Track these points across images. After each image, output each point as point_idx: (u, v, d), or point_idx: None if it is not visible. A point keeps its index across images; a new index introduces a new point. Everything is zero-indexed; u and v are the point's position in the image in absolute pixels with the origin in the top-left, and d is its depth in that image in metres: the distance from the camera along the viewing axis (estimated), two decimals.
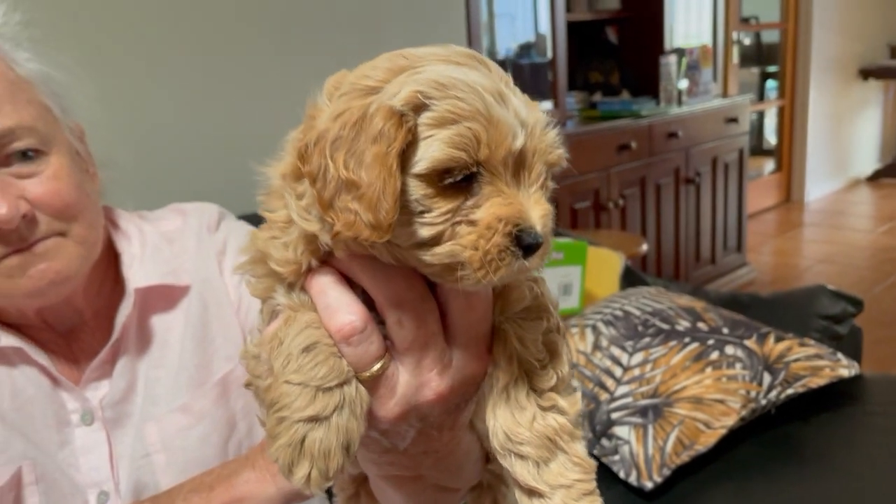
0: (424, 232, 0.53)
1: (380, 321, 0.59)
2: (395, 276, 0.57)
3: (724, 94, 4.90)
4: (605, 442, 1.74)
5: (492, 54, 3.82)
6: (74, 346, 1.08)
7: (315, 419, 0.55)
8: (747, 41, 7.01)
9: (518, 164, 0.54)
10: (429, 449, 0.65)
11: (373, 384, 0.58)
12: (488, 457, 0.72)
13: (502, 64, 3.82)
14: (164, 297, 1.12)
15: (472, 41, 3.22)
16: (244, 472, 0.89)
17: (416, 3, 2.96)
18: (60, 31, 1.06)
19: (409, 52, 0.57)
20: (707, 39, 4.73)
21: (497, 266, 0.53)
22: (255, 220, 1.30)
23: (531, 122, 0.54)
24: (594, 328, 1.95)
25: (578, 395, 0.61)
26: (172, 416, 1.07)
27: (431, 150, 0.52)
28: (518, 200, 0.53)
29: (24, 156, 0.95)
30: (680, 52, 4.38)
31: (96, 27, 2.09)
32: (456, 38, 3.14)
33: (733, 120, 4.56)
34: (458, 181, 0.53)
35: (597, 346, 1.91)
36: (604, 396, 1.80)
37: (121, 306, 1.07)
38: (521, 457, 0.58)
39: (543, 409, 0.58)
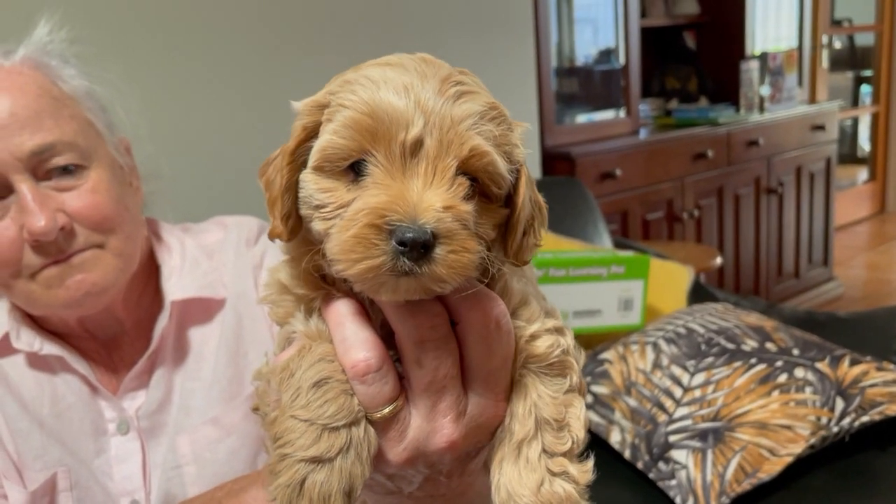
0: (318, 226, 0.52)
1: (396, 359, 0.57)
2: (420, 313, 0.55)
3: (812, 101, 4.69)
4: (661, 465, 1.67)
5: (570, 61, 3.77)
6: (115, 355, 1.10)
7: (318, 460, 0.53)
8: (839, 45, 6.69)
9: (415, 156, 0.51)
10: (435, 493, 0.63)
11: (383, 426, 0.56)
12: None
13: (580, 71, 3.79)
14: (202, 309, 1.13)
15: (540, 48, 3.18)
16: (253, 489, 0.88)
17: (482, 12, 2.94)
18: (106, 47, 1.08)
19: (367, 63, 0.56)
20: (792, 43, 4.53)
21: (355, 259, 0.49)
22: None
23: (442, 115, 0.51)
24: (655, 346, 1.88)
25: (590, 463, 0.58)
26: (204, 428, 1.07)
27: (319, 141, 0.53)
28: (398, 191, 0.50)
29: (65, 170, 0.98)
30: (762, 58, 4.21)
31: (141, 43, 2.14)
32: (523, 46, 3.10)
33: (820, 127, 4.35)
34: (347, 172, 0.52)
35: (657, 365, 1.83)
36: (662, 418, 1.73)
37: (159, 318, 1.09)
38: None
39: (553, 473, 0.55)
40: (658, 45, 4.39)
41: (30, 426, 1.03)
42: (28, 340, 1.03)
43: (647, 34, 4.06)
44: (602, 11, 3.77)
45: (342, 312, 0.55)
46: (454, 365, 0.56)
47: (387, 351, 0.56)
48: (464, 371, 0.57)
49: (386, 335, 0.56)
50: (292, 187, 0.56)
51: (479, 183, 0.53)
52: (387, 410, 0.55)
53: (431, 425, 0.56)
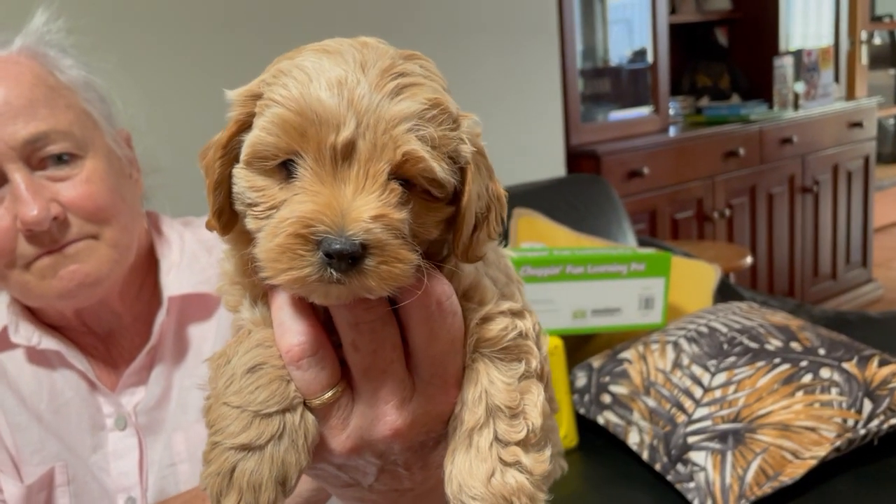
0: (251, 225, 0.50)
1: (339, 345, 0.55)
2: None
3: (849, 97, 4.56)
4: (680, 467, 1.62)
5: (604, 61, 3.73)
6: (113, 350, 1.10)
7: (248, 448, 0.51)
8: (879, 41, 6.51)
9: (347, 159, 0.48)
10: (400, 487, 0.60)
11: (324, 413, 0.54)
12: None
13: (609, 70, 3.74)
14: (202, 306, 1.11)
15: (565, 48, 3.14)
16: None
17: (506, 13, 2.91)
18: (105, 38, 1.08)
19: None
20: (828, 40, 4.42)
21: (280, 269, 0.47)
22: None
23: (376, 115, 0.48)
24: (676, 345, 1.83)
25: (548, 453, 0.55)
26: (199, 426, 1.06)
27: (250, 136, 0.50)
28: (327, 198, 0.47)
29: (59, 159, 0.97)
30: (796, 54, 4.11)
31: (141, 33, 2.14)
32: (548, 45, 3.07)
33: (858, 124, 4.23)
34: (279, 169, 0.49)
35: (677, 364, 1.79)
36: (681, 418, 1.68)
37: (158, 313, 1.08)
38: None
39: (505, 463, 0.53)
40: (689, 41, 4.31)
41: (28, 421, 1.03)
42: (26, 334, 1.03)
43: (678, 31, 4.00)
44: (637, 12, 3.72)
45: (282, 297, 0.53)
46: (394, 348, 0.54)
47: (326, 335, 0.54)
48: (408, 356, 0.55)
49: (329, 320, 0.54)
50: (225, 181, 0.54)
51: (417, 185, 0.50)
52: (326, 396, 0.53)
53: (374, 412, 0.54)
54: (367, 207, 0.47)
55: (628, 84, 3.78)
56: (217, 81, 2.48)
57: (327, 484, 0.61)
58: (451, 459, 0.54)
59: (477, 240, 0.54)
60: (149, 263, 1.12)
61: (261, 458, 0.51)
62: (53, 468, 1.01)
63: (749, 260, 2.96)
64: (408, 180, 0.50)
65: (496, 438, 0.53)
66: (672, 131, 3.63)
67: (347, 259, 0.46)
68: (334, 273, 0.47)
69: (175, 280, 1.09)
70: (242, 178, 0.52)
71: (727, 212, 3.65)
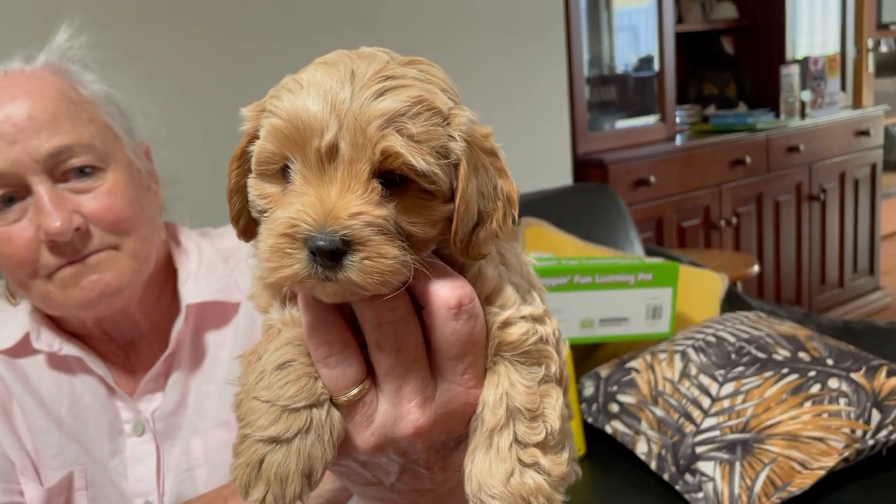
0: (262, 230, 0.53)
1: (364, 345, 0.56)
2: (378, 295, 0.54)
3: (856, 106, 4.57)
4: (688, 477, 1.63)
5: (610, 69, 3.75)
6: (132, 357, 1.11)
7: (276, 440, 0.53)
8: (885, 49, 6.52)
9: (333, 161, 0.50)
10: (421, 487, 0.61)
11: (349, 410, 0.56)
12: None
13: (616, 78, 3.76)
14: (219, 313, 1.13)
15: (572, 56, 3.16)
16: None
17: (515, 21, 2.93)
18: (125, 52, 1.10)
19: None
20: (835, 48, 4.43)
21: (274, 268, 0.50)
22: None
23: (356, 116, 0.50)
24: (683, 354, 1.84)
25: (565, 455, 0.56)
26: (215, 431, 1.08)
27: (255, 146, 0.54)
28: (311, 199, 0.50)
29: (82, 172, 0.99)
30: (803, 62, 4.12)
31: (160, 48, 2.17)
32: (556, 54, 3.09)
33: (864, 133, 4.24)
34: (281, 176, 0.53)
35: (685, 374, 1.80)
36: (689, 428, 1.69)
37: (175, 321, 1.10)
38: None
39: (524, 464, 0.54)
40: (695, 50, 4.33)
41: (48, 425, 1.04)
42: (48, 341, 1.05)
43: (684, 39, 4.01)
44: (643, 19, 3.74)
45: (309, 297, 0.55)
46: (417, 348, 0.55)
47: (352, 334, 0.56)
48: (431, 356, 0.56)
49: (354, 320, 0.56)
50: (241, 190, 0.58)
51: (411, 182, 0.52)
52: (352, 393, 0.55)
53: (398, 410, 0.56)
54: (347, 206, 0.49)
55: (635, 92, 3.80)
56: (232, 94, 2.53)
57: (351, 482, 0.62)
58: (472, 459, 0.55)
59: (478, 238, 0.55)
60: (167, 273, 1.14)
61: (288, 450, 0.52)
62: (72, 472, 1.03)
63: (756, 268, 2.97)
64: (403, 178, 0.52)
65: (516, 440, 0.54)
66: (679, 140, 3.64)
67: (329, 255, 0.49)
68: (320, 269, 0.49)
69: (193, 288, 1.11)
70: (253, 188, 0.56)
71: (734, 220, 3.66)
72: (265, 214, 0.54)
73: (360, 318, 0.55)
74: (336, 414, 0.55)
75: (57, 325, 1.08)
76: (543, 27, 3.04)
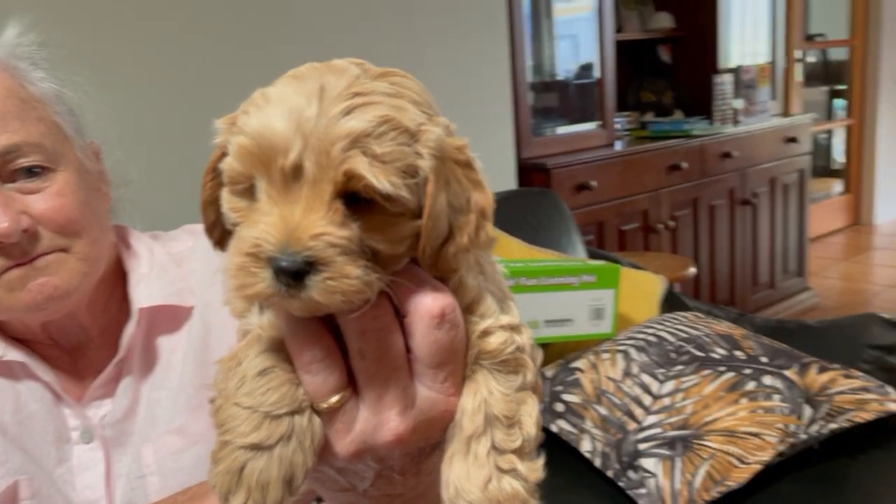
0: None
1: (346, 352, 0.57)
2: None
3: (785, 114, 4.75)
4: (631, 474, 1.68)
5: (551, 76, 3.81)
6: (80, 363, 1.09)
7: (257, 447, 0.53)
8: (812, 59, 6.80)
9: (298, 180, 0.51)
10: (392, 492, 0.62)
11: (329, 417, 0.56)
12: None
13: (557, 84, 3.83)
14: (170, 318, 1.12)
15: (515, 63, 3.20)
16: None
17: (458, 27, 2.96)
18: (77, 51, 1.08)
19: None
20: (766, 58, 4.61)
21: (240, 287, 0.51)
22: None
23: (321, 137, 0.50)
24: (626, 354, 1.89)
25: (541, 462, 0.57)
26: (168, 437, 1.07)
27: (224, 162, 0.54)
28: (274, 219, 0.50)
29: (30, 172, 0.97)
30: (735, 71, 4.27)
31: (113, 47, 2.14)
32: (499, 60, 3.13)
33: (793, 140, 4.41)
34: (249, 193, 0.53)
35: (627, 373, 1.84)
36: (632, 426, 1.74)
37: (126, 325, 1.08)
38: None
39: (501, 470, 0.55)
40: (633, 58, 4.44)
41: None
42: None
43: (623, 48, 4.11)
44: (583, 27, 3.82)
45: None
46: (399, 356, 0.56)
47: (334, 341, 0.56)
48: (411, 364, 0.57)
49: (336, 328, 0.56)
50: (215, 201, 0.59)
51: (376, 201, 0.52)
52: (333, 400, 0.55)
53: (378, 418, 0.56)
54: (310, 226, 0.50)
55: (576, 99, 3.88)
56: (187, 96, 2.51)
57: (324, 488, 0.62)
58: (449, 465, 0.56)
59: (447, 252, 0.55)
60: (116, 276, 1.12)
61: (270, 457, 0.53)
62: (17, 481, 1.00)
63: (693, 270, 3.07)
64: (368, 197, 0.52)
65: (493, 446, 0.55)
66: (618, 146, 3.73)
67: (292, 275, 0.49)
68: (284, 288, 0.50)
69: (145, 292, 1.09)
70: (226, 201, 0.56)
71: (671, 224, 3.76)
72: (237, 228, 0.55)
73: (342, 326, 0.56)
74: (317, 420, 0.55)
75: (0, 329, 1.05)
76: (488, 33, 3.09)
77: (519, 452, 0.56)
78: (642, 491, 1.65)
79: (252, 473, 0.53)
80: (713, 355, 1.84)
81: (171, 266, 1.15)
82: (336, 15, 2.61)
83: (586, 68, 3.86)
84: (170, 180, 2.25)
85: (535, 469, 0.56)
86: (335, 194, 0.51)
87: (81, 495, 1.03)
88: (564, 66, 3.90)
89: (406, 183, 0.52)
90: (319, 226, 0.50)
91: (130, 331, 1.07)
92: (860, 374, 1.81)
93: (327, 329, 0.56)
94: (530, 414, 0.57)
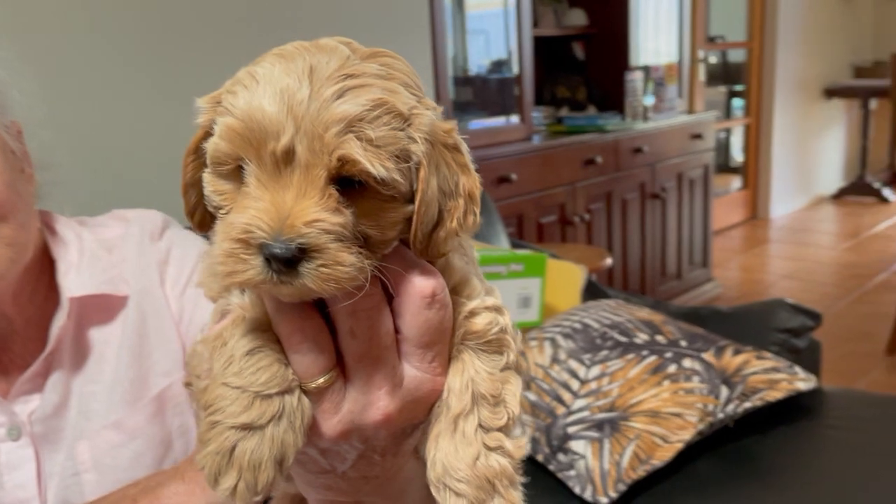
0: (218, 225, 0.53)
1: (332, 331, 0.56)
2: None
3: (690, 111, 4.95)
4: (561, 457, 1.72)
5: (464, 70, 3.84)
6: (5, 356, 1.04)
7: (249, 427, 0.52)
8: (714, 60, 7.11)
9: (289, 165, 0.50)
10: (369, 474, 0.62)
11: (318, 397, 0.55)
12: None
13: (476, 79, 3.86)
14: (103, 308, 1.07)
15: (437, 57, 3.22)
16: (172, 483, 0.85)
17: (379, 20, 2.95)
18: (3, 28, 1.02)
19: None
20: (673, 57, 4.78)
21: (229, 272, 0.50)
22: None
23: (314, 120, 0.49)
24: (553, 341, 1.94)
25: (525, 439, 0.59)
26: (105, 433, 1.03)
27: (209, 142, 0.53)
28: (266, 205, 0.49)
29: None
30: (645, 69, 4.42)
31: (42, 25, 2.05)
32: (421, 55, 3.14)
33: (698, 136, 4.60)
34: (237, 173, 0.52)
35: (555, 360, 1.89)
36: (560, 410, 1.78)
37: (55, 316, 1.03)
38: (457, 494, 0.55)
39: (489, 448, 0.56)
40: (548, 54, 4.53)
41: None
42: None
43: (539, 44, 4.19)
44: (494, 23, 3.86)
45: None
46: (388, 334, 0.56)
47: (323, 321, 0.55)
48: (399, 344, 0.57)
49: (322, 305, 0.56)
50: (197, 183, 0.57)
51: (369, 185, 0.52)
52: (321, 380, 0.55)
53: (367, 397, 0.56)
54: (304, 212, 0.49)
55: (496, 93, 3.92)
56: (116, 79, 2.39)
57: (304, 469, 0.62)
58: (435, 444, 0.56)
59: (438, 237, 0.55)
60: (42, 264, 1.06)
61: (261, 437, 0.52)
62: None
63: (609, 261, 3.16)
64: (361, 181, 0.51)
65: (480, 425, 0.56)
66: (536, 140, 3.80)
67: (285, 262, 0.48)
68: (275, 275, 0.49)
69: (75, 281, 1.04)
70: (208, 183, 0.55)
71: (587, 216, 3.87)
72: (221, 211, 0.54)
73: (332, 306, 0.55)
74: (306, 400, 0.54)
75: None
76: (410, 28, 3.09)
77: (505, 430, 0.56)
78: (572, 473, 1.69)
79: (243, 454, 0.52)
80: (636, 340, 1.90)
81: (102, 253, 1.10)
82: (259, 17, 2.56)
83: (501, 63, 3.92)
84: (102, 164, 2.16)
85: (521, 446, 0.57)
86: (328, 180, 0.50)
87: (11, 495, 0.98)
88: (478, 60, 3.94)
89: (399, 167, 0.52)
90: (313, 212, 0.49)
91: (60, 322, 1.02)
92: (771, 355, 1.92)
93: (315, 309, 0.55)
94: (514, 393, 0.57)
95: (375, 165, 0.50)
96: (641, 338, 1.91)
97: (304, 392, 0.55)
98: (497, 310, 0.59)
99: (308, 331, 0.54)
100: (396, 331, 0.57)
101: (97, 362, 1.06)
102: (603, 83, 4.47)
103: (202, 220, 0.58)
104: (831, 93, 7.42)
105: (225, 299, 0.58)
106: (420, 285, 0.55)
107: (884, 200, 7.31)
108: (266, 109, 0.50)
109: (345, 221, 0.50)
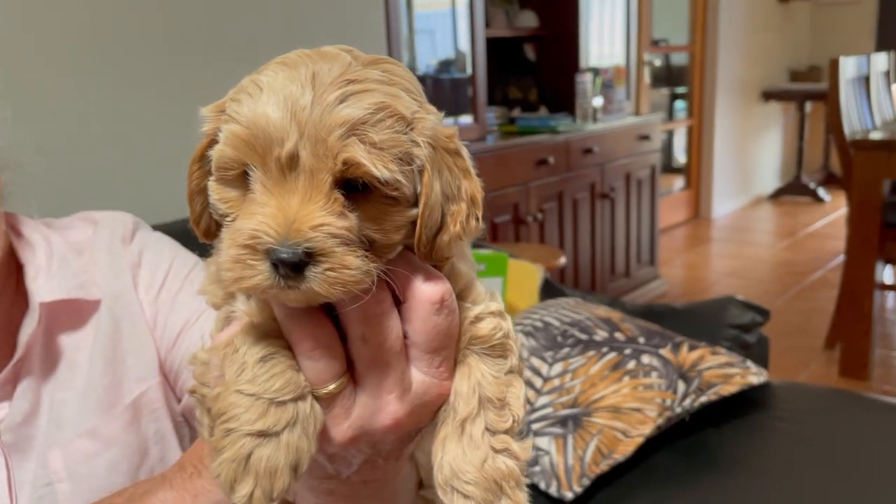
0: (224, 233, 0.54)
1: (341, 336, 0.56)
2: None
3: (637, 113, 5.06)
4: None
5: (412, 69, 3.83)
6: None
7: (264, 434, 0.52)
8: (658, 62, 7.27)
9: (294, 170, 0.51)
10: (371, 478, 0.62)
11: (328, 403, 0.56)
12: (421, 483, 0.70)
13: (422, 79, 3.86)
14: (73, 313, 1.05)
15: (392, 56, 3.22)
16: (160, 491, 0.84)
17: (335, 19, 2.94)
18: None
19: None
20: (620, 59, 4.88)
21: (236, 278, 0.51)
22: (167, 229, 1.25)
23: (317, 125, 0.50)
24: None
25: (530, 442, 0.60)
26: (79, 441, 1.00)
27: (214, 150, 0.54)
28: (272, 210, 0.50)
29: None
30: (594, 71, 4.49)
31: (5, 22, 2.00)
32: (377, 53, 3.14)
33: (646, 137, 4.70)
34: (242, 180, 0.53)
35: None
36: (525, 407, 1.81)
37: (24, 322, 1.00)
38: (465, 496, 0.56)
39: (496, 450, 0.57)
40: (501, 55, 4.57)
41: None
42: None
43: (490, 44, 4.22)
44: (440, 23, 3.87)
45: None
46: (398, 340, 0.57)
47: (334, 327, 0.56)
48: (407, 349, 0.58)
49: (330, 311, 0.56)
50: (202, 191, 0.57)
51: (374, 189, 0.52)
52: (332, 386, 0.55)
53: (377, 402, 0.57)
54: (309, 217, 0.50)
55: (448, 93, 3.94)
56: (81, 83, 2.33)
57: (308, 475, 0.62)
58: (442, 447, 0.57)
59: (442, 241, 0.55)
60: (8, 269, 1.04)
61: (277, 444, 0.52)
62: None
63: (563, 260, 3.21)
64: (366, 185, 0.52)
65: (486, 428, 0.57)
66: (490, 140, 3.84)
67: (292, 267, 0.49)
68: (282, 280, 0.49)
69: (45, 285, 1.02)
70: (214, 191, 0.55)
71: (539, 216, 3.92)
72: (227, 218, 0.54)
73: (343, 312, 0.55)
74: (318, 406, 0.55)
75: None
76: (366, 31, 3.09)
77: (510, 432, 0.58)
78: (537, 468, 1.72)
79: (260, 461, 0.52)
80: (596, 338, 1.94)
81: (72, 257, 1.08)
82: (210, 20, 2.53)
83: (449, 63, 3.94)
84: (63, 165, 2.11)
85: (526, 448, 0.58)
86: (333, 184, 0.51)
87: None
88: (426, 60, 3.94)
89: (402, 170, 0.52)
90: (319, 216, 0.50)
91: (30, 328, 0.99)
92: (724, 350, 1.98)
93: (327, 315, 0.56)
94: (517, 396, 0.59)
95: (379, 168, 0.51)
96: (601, 335, 1.95)
97: (316, 398, 0.55)
98: (500, 315, 0.60)
99: (321, 337, 0.54)
100: (404, 336, 0.57)
101: (68, 369, 1.03)
102: (554, 84, 4.53)
103: (207, 228, 0.59)
104: (769, 96, 7.67)
105: (230, 306, 0.58)
106: (429, 291, 0.56)
107: (819, 200, 7.59)
108: (270, 116, 0.50)
109: (350, 225, 0.51)
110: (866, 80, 4.23)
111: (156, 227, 1.23)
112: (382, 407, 0.57)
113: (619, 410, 1.77)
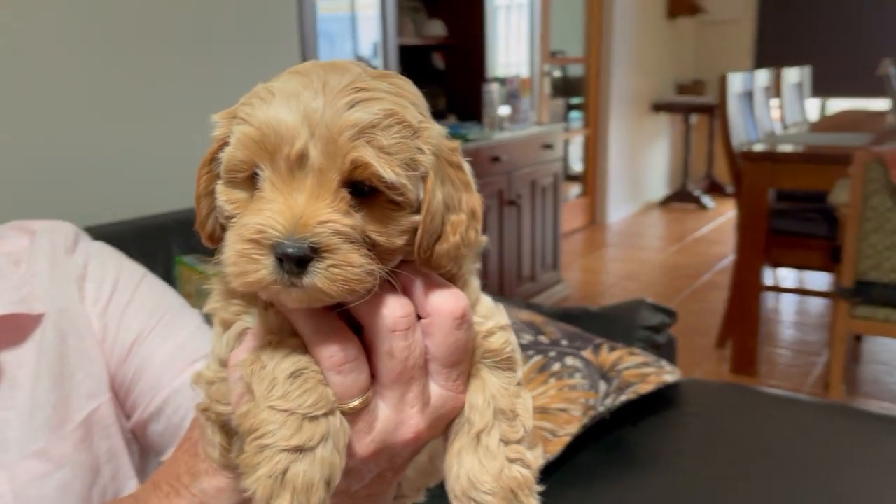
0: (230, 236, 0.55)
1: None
2: (393, 301, 0.56)
3: (540, 122, 5.21)
4: None
5: None
6: None
7: (300, 449, 0.52)
8: (557, 73, 7.50)
9: (302, 169, 0.52)
10: (375, 492, 0.63)
11: (352, 417, 0.56)
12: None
13: None
14: (11, 328, 0.98)
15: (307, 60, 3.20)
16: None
17: (248, 24, 2.90)
18: None
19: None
20: (523, 70, 5.02)
21: (239, 274, 0.52)
22: (97, 232, 1.20)
23: (328, 126, 0.52)
24: None
25: (539, 450, 0.61)
26: (26, 462, 0.94)
27: (224, 153, 0.55)
28: (280, 206, 0.51)
29: None
30: (501, 81, 4.60)
31: None
32: (290, 60, 3.11)
33: (549, 146, 4.85)
34: (250, 182, 0.54)
35: None
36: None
37: None
38: None
39: (510, 460, 0.58)
40: (409, 63, 4.61)
41: None
42: None
43: (399, 52, 4.25)
44: (339, 27, 3.85)
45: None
46: (421, 354, 0.57)
47: (360, 341, 0.56)
48: (426, 363, 0.58)
49: (350, 326, 0.57)
50: (209, 195, 0.58)
51: (380, 192, 0.54)
52: (357, 402, 0.56)
53: (400, 416, 0.57)
54: (316, 213, 0.51)
55: None
56: (34, 88, 2.21)
57: None
58: (458, 459, 0.58)
59: (441, 249, 0.57)
60: None
61: (312, 459, 0.52)
62: None
63: (478, 265, 3.27)
64: (371, 188, 0.53)
65: (500, 439, 0.58)
66: None
67: (296, 261, 0.50)
68: (286, 275, 0.50)
69: None
70: (222, 193, 0.56)
71: None
72: (233, 220, 0.54)
73: (371, 325, 0.56)
74: (345, 421, 0.55)
75: None
76: (278, 37, 3.06)
77: (522, 443, 0.59)
78: None
79: (296, 476, 0.52)
80: (521, 341, 2.00)
81: (9, 268, 1.02)
82: (127, 25, 2.45)
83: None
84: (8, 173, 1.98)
85: (537, 457, 0.60)
86: (341, 183, 0.52)
87: None
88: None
89: (408, 175, 0.54)
90: (325, 213, 0.51)
91: None
92: (640, 351, 2.08)
93: (352, 330, 0.56)
94: (526, 407, 0.61)
95: (387, 170, 0.52)
96: (526, 338, 2.01)
97: (342, 413, 0.56)
98: (508, 329, 0.62)
99: (350, 351, 0.55)
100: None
101: (9, 388, 0.97)
102: (462, 93, 4.61)
103: (212, 231, 0.59)
104: (658, 107, 8.05)
105: (242, 322, 0.58)
106: (452, 306, 0.57)
107: (703, 207, 8.02)
108: (282, 117, 0.52)
109: (355, 223, 0.52)
110: (749, 95, 4.53)
111: (102, 227, 1.18)
112: (405, 421, 0.58)
113: (546, 411, 1.83)
